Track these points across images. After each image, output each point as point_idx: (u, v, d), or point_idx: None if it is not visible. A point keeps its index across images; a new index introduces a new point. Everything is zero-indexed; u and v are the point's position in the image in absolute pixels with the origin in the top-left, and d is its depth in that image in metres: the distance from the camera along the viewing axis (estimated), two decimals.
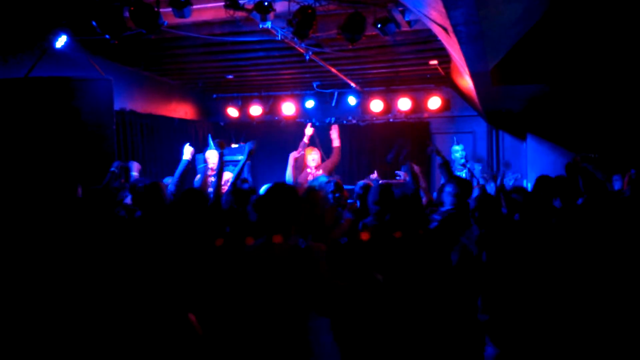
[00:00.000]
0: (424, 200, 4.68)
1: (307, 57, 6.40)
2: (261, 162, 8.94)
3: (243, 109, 9.94)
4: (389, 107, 9.36)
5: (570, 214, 3.95)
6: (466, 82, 6.66)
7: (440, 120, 9.70)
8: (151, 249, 3.38)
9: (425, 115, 9.53)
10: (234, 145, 8.47)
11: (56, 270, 3.28)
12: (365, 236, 3.67)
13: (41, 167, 5.04)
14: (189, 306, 3.25)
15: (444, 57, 7.13)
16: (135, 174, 5.39)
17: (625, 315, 3.47)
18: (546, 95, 6.79)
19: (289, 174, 6.11)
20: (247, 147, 4.69)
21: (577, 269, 3.57)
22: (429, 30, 5.33)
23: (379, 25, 5.03)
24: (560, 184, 4.26)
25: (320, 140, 7.23)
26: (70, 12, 5.36)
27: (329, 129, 6.86)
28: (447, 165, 4.83)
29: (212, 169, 5.47)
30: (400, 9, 5.09)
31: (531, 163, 8.83)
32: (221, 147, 4.52)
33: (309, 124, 6.90)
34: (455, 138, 9.26)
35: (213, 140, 5.81)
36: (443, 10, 3.65)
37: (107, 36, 4.95)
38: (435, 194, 4.94)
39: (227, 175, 5.09)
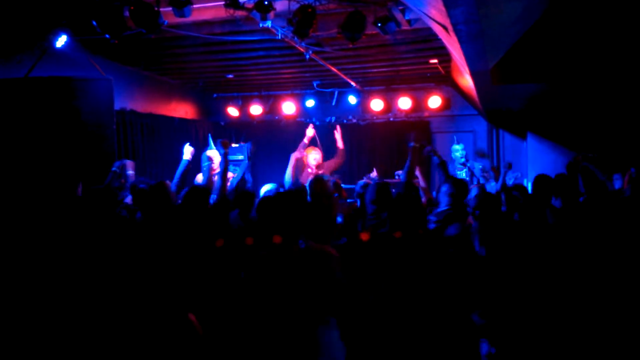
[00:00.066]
0: (423, 199, 4.68)
1: (307, 56, 6.40)
2: (261, 162, 8.93)
3: (243, 109, 9.93)
4: (389, 106, 9.36)
5: (570, 213, 3.95)
6: (466, 81, 6.66)
7: (440, 119, 9.69)
8: (156, 248, 3.38)
9: (426, 114, 9.52)
10: (234, 145, 8.46)
11: (57, 270, 3.28)
12: (365, 236, 3.67)
13: (41, 167, 5.04)
14: (190, 306, 3.25)
15: (444, 56, 7.13)
16: (131, 172, 5.39)
17: (624, 315, 3.47)
18: (546, 94, 6.78)
19: (288, 174, 6.11)
20: (245, 149, 4.70)
21: (576, 268, 3.57)
22: (429, 29, 5.33)
23: (379, 24, 5.02)
24: (559, 182, 4.26)
25: (321, 140, 7.23)
26: (70, 12, 5.36)
27: (331, 130, 6.88)
28: (443, 165, 4.83)
29: (214, 168, 5.47)
30: (400, 7, 5.10)
31: (531, 162, 8.82)
32: (225, 147, 4.52)
33: (311, 125, 6.89)
34: (455, 137, 9.24)
35: (214, 140, 5.80)
36: (443, 8, 3.64)
37: (107, 36, 4.94)
38: (434, 193, 4.94)
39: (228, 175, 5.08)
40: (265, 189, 5.03)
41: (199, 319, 3.27)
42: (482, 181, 6.74)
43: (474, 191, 4.65)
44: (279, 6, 4.98)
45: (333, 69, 7.87)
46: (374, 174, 6.64)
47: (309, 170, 6.43)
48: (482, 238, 3.77)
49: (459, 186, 4.36)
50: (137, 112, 7.97)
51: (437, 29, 4.83)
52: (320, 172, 6.24)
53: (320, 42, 6.25)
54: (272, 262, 2.71)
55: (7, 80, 5.44)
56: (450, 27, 4.08)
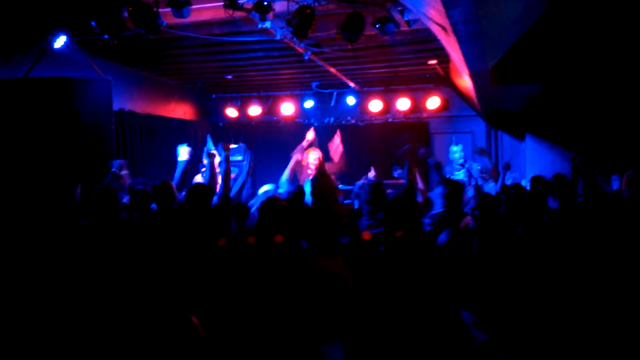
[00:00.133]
0: (420, 200, 4.68)
1: (306, 57, 6.40)
2: (260, 163, 8.93)
3: (242, 109, 9.93)
4: (388, 107, 9.36)
5: (567, 214, 3.96)
6: (465, 81, 6.66)
7: (439, 120, 9.70)
8: (157, 249, 3.38)
9: (424, 115, 9.53)
10: (232, 146, 8.44)
11: (58, 270, 3.27)
12: (367, 236, 3.67)
13: (40, 168, 5.03)
14: (191, 307, 3.25)
15: (443, 57, 7.14)
16: (125, 171, 5.37)
17: (623, 314, 3.47)
18: (545, 95, 6.79)
19: (285, 176, 6.07)
20: (247, 154, 4.68)
21: (576, 268, 3.58)
22: (428, 30, 5.33)
23: (378, 25, 5.03)
24: (557, 183, 4.27)
25: (320, 142, 7.20)
26: (70, 12, 5.35)
27: (330, 130, 6.82)
28: (438, 166, 4.84)
29: (215, 166, 5.45)
30: (399, 8, 5.09)
31: (529, 163, 8.84)
32: (226, 150, 4.52)
33: (312, 129, 6.85)
34: (454, 138, 9.26)
35: (214, 141, 5.79)
36: (442, 9, 3.64)
37: (106, 36, 4.94)
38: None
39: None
40: (264, 189, 5.02)
41: (200, 320, 3.27)
42: (480, 182, 6.75)
43: (470, 191, 4.65)
44: (278, 7, 4.99)
45: (332, 69, 7.87)
46: (371, 173, 6.64)
47: (309, 171, 6.41)
48: (481, 238, 3.77)
49: (453, 188, 4.35)
50: (136, 113, 7.96)
51: (436, 30, 4.83)
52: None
53: (319, 42, 6.25)
54: (288, 275, 2.71)
55: (6, 80, 5.43)
56: (449, 28, 4.08)
